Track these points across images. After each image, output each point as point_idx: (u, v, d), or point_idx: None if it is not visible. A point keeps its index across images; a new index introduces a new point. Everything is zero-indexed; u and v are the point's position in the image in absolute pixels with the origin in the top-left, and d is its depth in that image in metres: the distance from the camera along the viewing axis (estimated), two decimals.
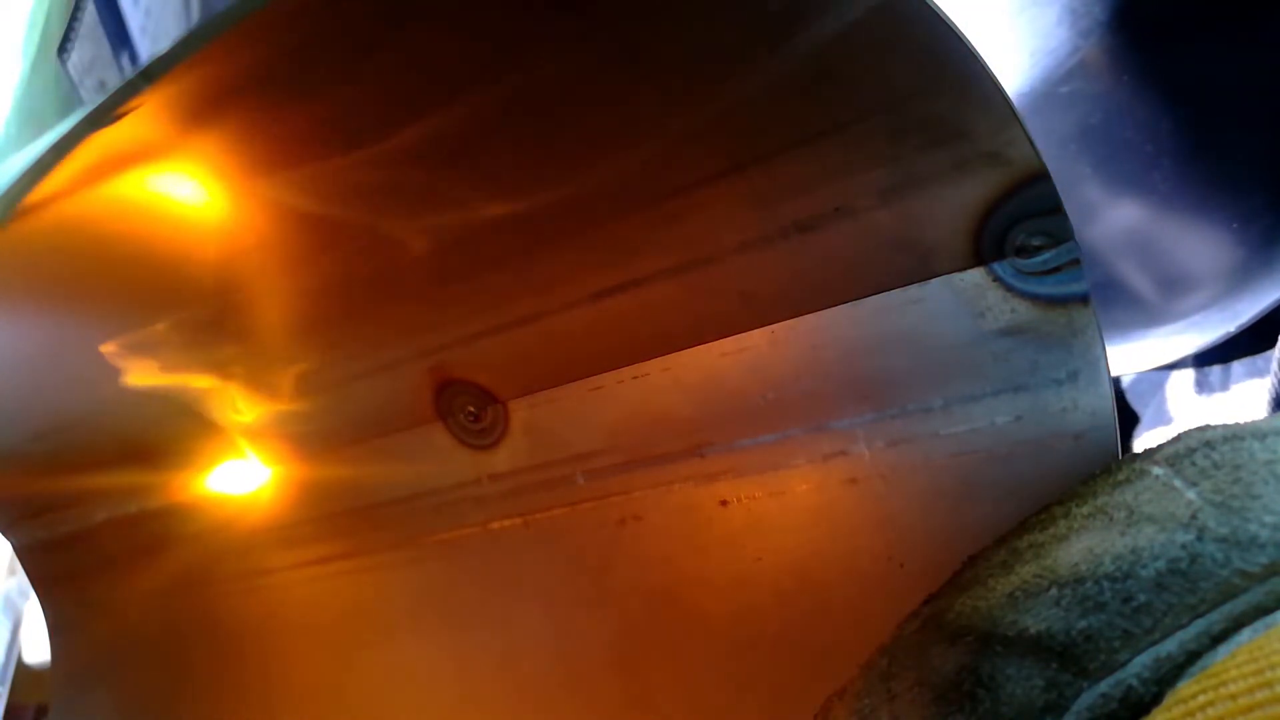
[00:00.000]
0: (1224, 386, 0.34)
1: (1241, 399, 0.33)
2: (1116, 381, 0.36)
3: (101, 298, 0.25)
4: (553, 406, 0.24)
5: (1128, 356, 0.33)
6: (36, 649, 0.47)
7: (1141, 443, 0.36)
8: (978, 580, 0.16)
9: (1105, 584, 0.14)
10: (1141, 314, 0.32)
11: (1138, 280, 0.32)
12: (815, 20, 0.16)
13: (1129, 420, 0.37)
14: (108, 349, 0.27)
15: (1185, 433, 0.16)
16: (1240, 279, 0.30)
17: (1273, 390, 0.28)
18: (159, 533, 0.33)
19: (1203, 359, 0.33)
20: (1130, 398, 0.37)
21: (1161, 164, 0.29)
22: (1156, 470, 0.15)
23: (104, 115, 0.17)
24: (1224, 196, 0.29)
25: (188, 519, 0.32)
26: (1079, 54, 0.29)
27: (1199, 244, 0.30)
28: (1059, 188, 0.17)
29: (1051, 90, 0.29)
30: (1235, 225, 0.29)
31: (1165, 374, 0.35)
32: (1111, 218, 0.31)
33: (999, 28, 0.30)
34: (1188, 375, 0.35)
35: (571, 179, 0.20)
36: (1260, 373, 0.32)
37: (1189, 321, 0.32)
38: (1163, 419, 0.36)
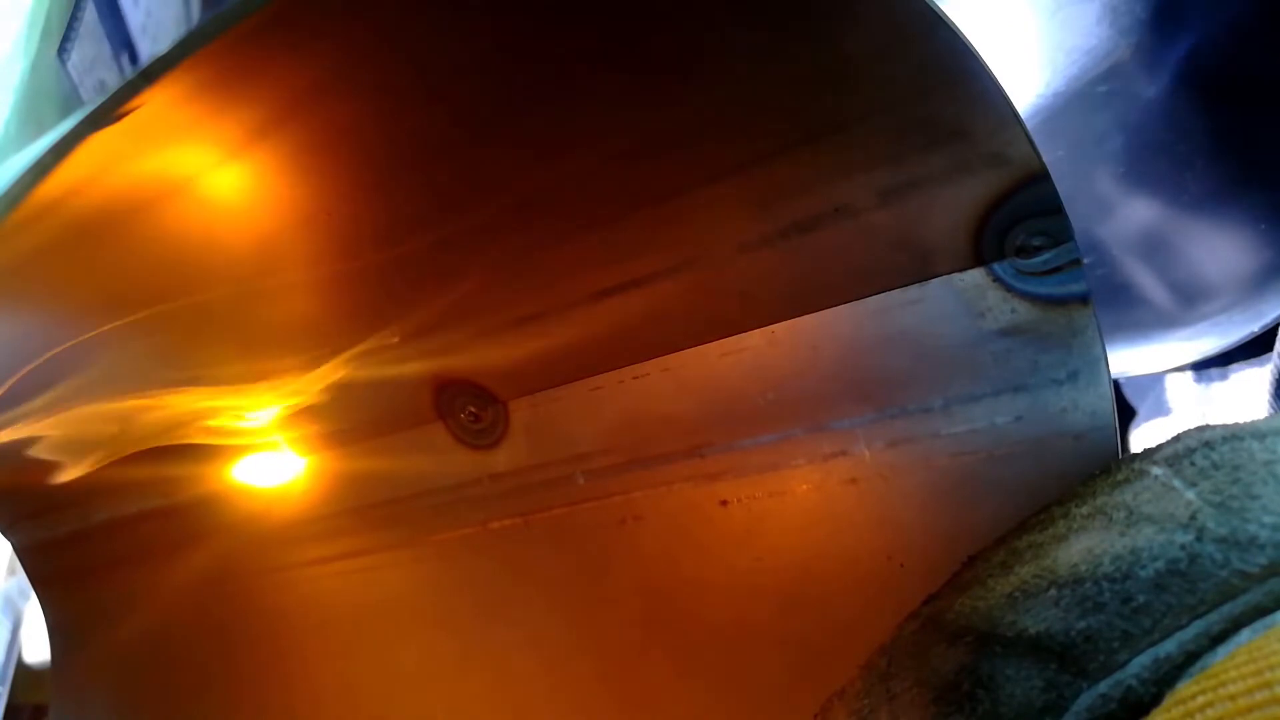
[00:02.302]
0: (1223, 375, 0.33)
1: (1241, 386, 0.33)
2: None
3: (105, 296, 0.25)
4: (553, 406, 0.24)
5: (1150, 358, 0.33)
6: (36, 649, 0.47)
7: (1141, 433, 0.36)
8: (977, 580, 0.16)
9: (1104, 584, 0.14)
10: (1165, 315, 0.32)
11: (1163, 281, 0.31)
12: (816, 21, 0.16)
13: (1125, 415, 0.36)
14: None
15: (1184, 433, 0.16)
16: (1265, 280, 0.29)
17: (1275, 373, 0.28)
18: (158, 533, 0.33)
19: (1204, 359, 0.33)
20: (1127, 390, 0.37)
21: (1194, 164, 0.28)
22: (1156, 470, 0.15)
23: (104, 115, 0.17)
24: (1253, 196, 0.29)
25: (191, 519, 0.32)
26: (1118, 52, 0.28)
27: (1226, 244, 0.30)
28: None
29: (1089, 89, 0.29)
30: (1263, 226, 0.29)
31: None
32: (1141, 217, 0.30)
33: (1037, 25, 0.30)
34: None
35: (571, 179, 0.20)
36: (1260, 360, 0.32)
37: (1212, 323, 0.31)
38: (1161, 410, 0.35)
